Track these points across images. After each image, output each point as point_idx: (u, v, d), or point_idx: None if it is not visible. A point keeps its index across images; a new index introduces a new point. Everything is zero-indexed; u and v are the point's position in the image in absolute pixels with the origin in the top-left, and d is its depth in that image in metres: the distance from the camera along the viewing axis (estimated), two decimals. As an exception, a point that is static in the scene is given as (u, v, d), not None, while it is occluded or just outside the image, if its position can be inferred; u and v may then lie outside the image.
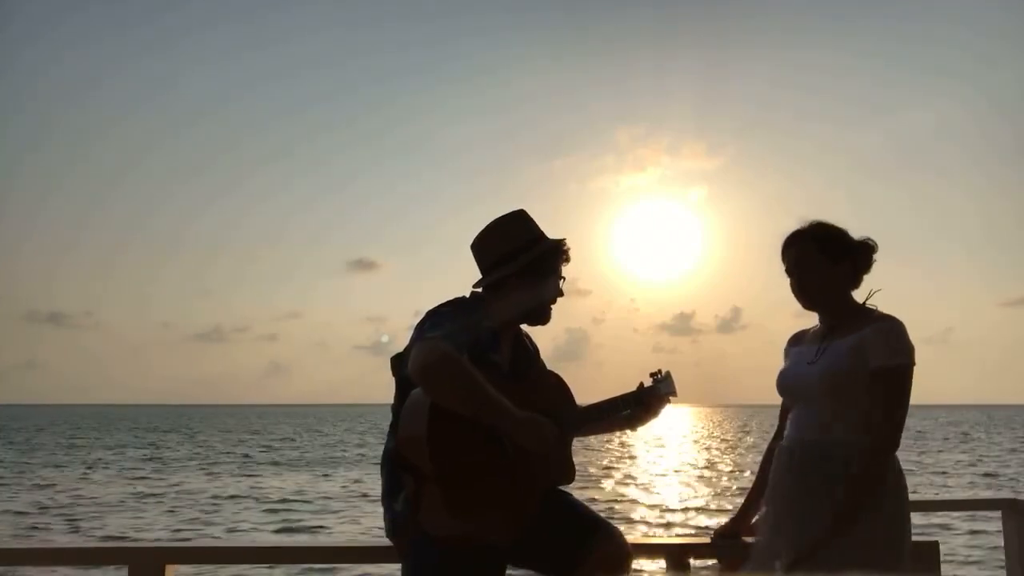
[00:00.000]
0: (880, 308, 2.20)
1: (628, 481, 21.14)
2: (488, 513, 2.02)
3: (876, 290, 2.21)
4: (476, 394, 1.96)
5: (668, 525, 13.78)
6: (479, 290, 2.28)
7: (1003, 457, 29.66)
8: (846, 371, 2.09)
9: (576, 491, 2.31)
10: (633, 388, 2.44)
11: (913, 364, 2.08)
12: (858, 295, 2.23)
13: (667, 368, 2.48)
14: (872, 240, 2.21)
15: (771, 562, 2.13)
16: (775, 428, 2.42)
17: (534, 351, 2.40)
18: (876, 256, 2.21)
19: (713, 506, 15.85)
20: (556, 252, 2.27)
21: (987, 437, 44.75)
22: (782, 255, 2.23)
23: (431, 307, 2.14)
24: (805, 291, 2.21)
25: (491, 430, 2.03)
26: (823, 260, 2.17)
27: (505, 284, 2.23)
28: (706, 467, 25.67)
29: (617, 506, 15.45)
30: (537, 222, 2.31)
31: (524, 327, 2.35)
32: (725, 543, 2.43)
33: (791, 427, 2.23)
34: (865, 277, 2.22)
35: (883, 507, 2.05)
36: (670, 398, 2.48)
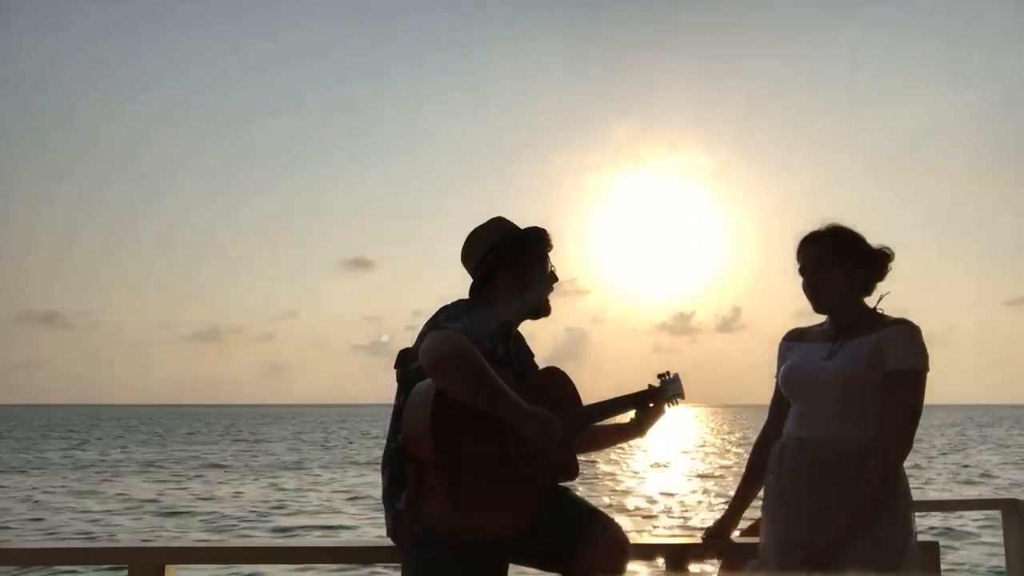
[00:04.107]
0: (885, 309, 2.22)
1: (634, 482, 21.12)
2: (490, 507, 2.02)
3: (886, 293, 2.23)
4: (489, 386, 1.97)
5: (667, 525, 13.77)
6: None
7: (1002, 457, 29.66)
8: (864, 371, 2.10)
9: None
10: (636, 388, 2.45)
11: (927, 370, 2.10)
12: (868, 301, 2.23)
13: (676, 370, 2.50)
14: (889, 249, 2.22)
15: (780, 562, 2.13)
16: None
17: (528, 351, 2.42)
18: (891, 265, 2.22)
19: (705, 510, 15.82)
20: (537, 238, 2.31)
21: (1001, 438, 44.71)
22: (797, 254, 2.25)
23: (430, 305, 2.19)
24: (816, 292, 2.21)
25: (496, 423, 2.04)
26: (837, 263, 2.18)
27: (494, 279, 2.27)
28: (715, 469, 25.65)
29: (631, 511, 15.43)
30: (534, 219, 2.34)
31: (523, 328, 2.38)
32: (716, 542, 2.43)
33: (796, 425, 2.22)
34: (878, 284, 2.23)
35: (893, 507, 2.07)
36: (678, 400, 2.49)
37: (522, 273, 2.27)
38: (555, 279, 2.32)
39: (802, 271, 2.23)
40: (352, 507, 15.68)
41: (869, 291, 2.23)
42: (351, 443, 38.05)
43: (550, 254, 2.34)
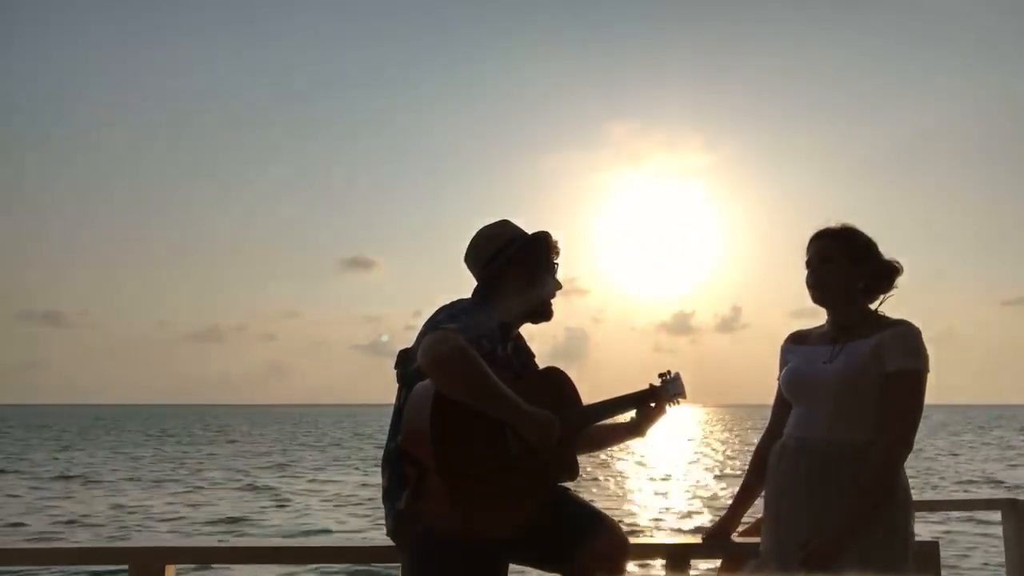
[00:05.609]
0: (885, 310, 2.23)
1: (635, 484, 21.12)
2: (490, 507, 2.03)
3: (888, 295, 2.24)
4: (487, 386, 1.98)
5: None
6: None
7: (1001, 458, 29.65)
8: (864, 373, 2.11)
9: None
10: (637, 388, 2.45)
11: (927, 371, 2.11)
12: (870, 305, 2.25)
13: (676, 369, 2.51)
14: (898, 263, 2.23)
15: (779, 562, 2.13)
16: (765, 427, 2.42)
17: (528, 352, 2.43)
18: (899, 282, 2.23)
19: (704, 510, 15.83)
20: (544, 243, 2.32)
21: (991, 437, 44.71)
22: (807, 247, 2.27)
23: (430, 304, 2.19)
24: (819, 285, 2.24)
25: (495, 424, 2.04)
26: (843, 259, 2.21)
27: (500, 280, 2.28)
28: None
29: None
30: (533, 218, 2.35)
31: (522, 328, 2.39)
32: (717, 542, 2.43)
33: (796, 427, 2.23)
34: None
35: (892, 507, 2.08)
36: (679, 399, 2.50)
37: (528, 276, 2.28)
38: (559, 286, 2.34)
39: (808, 264, 2.26)
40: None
41: (872, 296, 2.24)
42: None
43: (557, 260, 2.35)
